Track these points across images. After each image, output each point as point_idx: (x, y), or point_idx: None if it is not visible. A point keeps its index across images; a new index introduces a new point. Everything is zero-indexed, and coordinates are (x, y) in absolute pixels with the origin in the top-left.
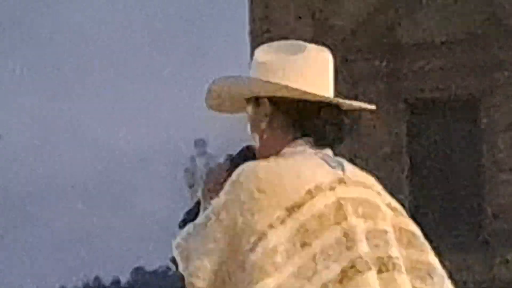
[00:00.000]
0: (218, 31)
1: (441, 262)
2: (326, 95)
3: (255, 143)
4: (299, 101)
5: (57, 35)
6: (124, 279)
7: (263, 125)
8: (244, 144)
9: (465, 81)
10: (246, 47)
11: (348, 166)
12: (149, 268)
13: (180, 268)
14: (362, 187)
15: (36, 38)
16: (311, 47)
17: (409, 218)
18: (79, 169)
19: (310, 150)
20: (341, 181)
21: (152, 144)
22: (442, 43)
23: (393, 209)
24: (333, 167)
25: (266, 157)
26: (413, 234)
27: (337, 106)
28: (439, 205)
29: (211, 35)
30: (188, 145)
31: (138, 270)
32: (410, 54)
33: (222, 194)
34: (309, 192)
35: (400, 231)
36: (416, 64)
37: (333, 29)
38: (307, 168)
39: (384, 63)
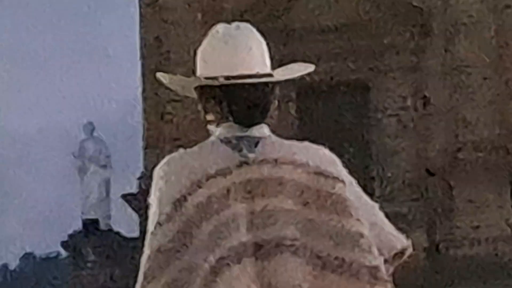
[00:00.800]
0: (106, 16)
1: None
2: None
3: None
4: (217, 87)
5: None
6: (13, 265)
7: (201, 116)
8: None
9: (355, 65)
10: (136, 29)
11: (266, 144)
12: (39, 254)
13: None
14: (272, 164)
15: None
16: (230, 30)
17: (343, 183)
18: None
19: (226, 135)
20: (242, 163)
21: (39, 128)
22: (333, 28)
23: (321, 174)
24: (239, 150)
25: None
26: (340, 197)
27: (265, 84)
28: None
29: (99, 19)
30: (76, 129)
31: (27, 256)
32: (300, 38)
33: None
34: (196, 183)
35: (330, 197)
36: (307, 48)
37: (222, 13)
38: (202, 159)
39: (273, 48)
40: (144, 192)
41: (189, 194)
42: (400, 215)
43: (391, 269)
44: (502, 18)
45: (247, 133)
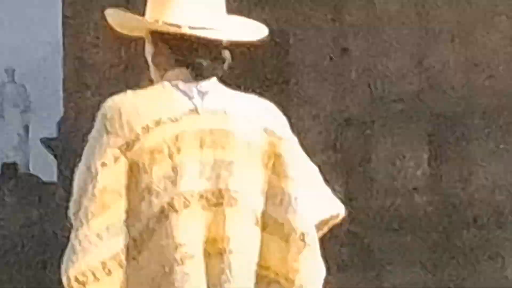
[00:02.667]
0: None
1: None
2: (197, 25)
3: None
4: (175, 35)
5: None
6: None
7: (149, 59)
8: None
9: (274, 13)
10: None
11: (216, 95)
12: None
13: None
14: (222, 116)
15: None
16: None
17: (287, 143)
18: None
19: (176, 81)
20: (192, 112)
21: None
22: None
23: (267, 131)
24: (190, 98)
25: None
26: (282, 157)
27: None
28: None
29: None
30: None
31: None
32: None
33: None
34: (145, 127)
35: (273, 156)
36: None
37: None
38: (152, 102)
39: None
40: (63, 136)
41: (138, 137)
42: (316, 166)
43: (322, 233)
44: None
45: (198, 82)
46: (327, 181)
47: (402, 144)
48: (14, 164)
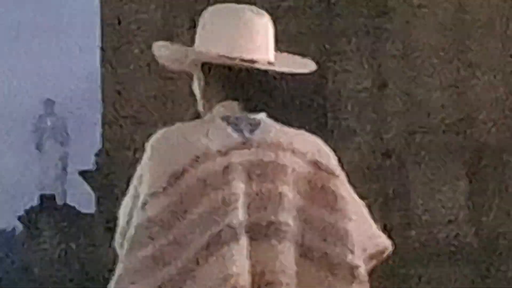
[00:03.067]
0: None
1: None
2: (257, 57)
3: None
4: (227, 66)
5: None
6: None
7: (199, 90)
8: None
9: (313, 47)
10: (96, 7)
11: (266, 129)
12: None
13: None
14: (272, 149)
15: None
16: (250, 13)
17: (338, 178)
18: None
19: (226, 114)
20: (242, 144)
21: None
22: (287, 8)
23: (317, 166)
24: (240, 130)
25: None
26: (331, 191)
27: (268, 71)
28: None
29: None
30: (35, 105)
31: None
32: None
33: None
34: (195, 159)
35: (323, 188)
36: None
37: None
38: (201, 134)
39: None
40: (101, 169)
41: (187, 169)
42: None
43: (369, 267)
44: (460, 2)
45: (248, 115)
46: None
47: (440, 176)
48: (52, 196)
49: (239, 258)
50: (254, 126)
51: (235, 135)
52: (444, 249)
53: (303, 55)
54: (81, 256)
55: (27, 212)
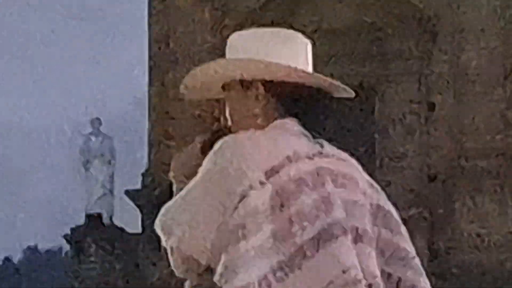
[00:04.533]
0: (114, 11)
1: None
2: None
3: (232, 125)
4: (290, 85)
5: None
6: (16, 258)
7: (256, 108)
8: (215, 127)
9: (361, 69)
10: (145, 27)
11: (328, 146)
12: (42, 247)
13: (164, 241)
14: (342, 162)
15: None
16: (295, 34)
17: (387, 199)
18: None
19: (294, 128)
20: (320, 154)
21: (45, 123)
22: (339, 31)
23: (372, 186)
24: (314, 143)
25: None
26: (390, 213)
27: (321, 92)
28: None
29: (109, 17)
30: (82, 124)
31: (30, 249)
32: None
33: (203, 166)
34: (288, 157)
35: (378, 208)
36: (313, 50)
37: (231, 13)
38: (285, 139)
39: None
40: (148, 188)
41: (282, 165)
42: (402, 221)
43: None
44: (510, 27)
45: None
46: (412, 236)
47: (487, 201)
48: (99, 215)
49: (351, 253)
50: (320, 142)
51: (311, 144)
52: (491, 273)
53: (352, 76)
54: (126, 276)
55: (73, 231)
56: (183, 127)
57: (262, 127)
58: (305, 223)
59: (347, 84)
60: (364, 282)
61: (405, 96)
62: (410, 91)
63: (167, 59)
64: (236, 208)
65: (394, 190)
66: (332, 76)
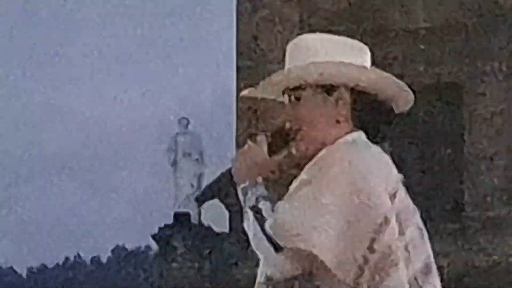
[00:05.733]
0: (203, 11)
1: None
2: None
3: (306, 128)
4: (370, 93)
5: (39, 11)
6: (104, 257)
7: (339, 113)
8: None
9: (450, 68)
10: (232, 27)
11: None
12: (130, 246)
13: (287, 244)
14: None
15: (11, 13)
16: (362, 44)
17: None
18: (60, 146)
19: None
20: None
21: (133, 123)
22: (426, 29)
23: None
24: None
25: (316, 143)
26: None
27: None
28: (418, 191)
29: (197, 17)
30: (170, 123)
31: (118, 249)
32: (394, 39)
33: (325, 173)
34: (398, 181)
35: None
36: (400, 49)
37: (319, 12)
38: (387, 157)
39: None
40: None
41: (397, 190)
42: (491, 220)
43: None
44: None
45: None
46: (504, 236)
47: None
48: (187, 214)
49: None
50: None
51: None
52: None
53: (443, 75)
54: (213, 275)
55: (161, 230)
56: (271, 125)
57: (343, 134)
58: (417, 252)
59: (436, 82)
60: None
61: (493, 94)
62: (497, 88)
63: (255, 56)
64: (381, 229)
65: (484, 189)
66: (419, 74)
